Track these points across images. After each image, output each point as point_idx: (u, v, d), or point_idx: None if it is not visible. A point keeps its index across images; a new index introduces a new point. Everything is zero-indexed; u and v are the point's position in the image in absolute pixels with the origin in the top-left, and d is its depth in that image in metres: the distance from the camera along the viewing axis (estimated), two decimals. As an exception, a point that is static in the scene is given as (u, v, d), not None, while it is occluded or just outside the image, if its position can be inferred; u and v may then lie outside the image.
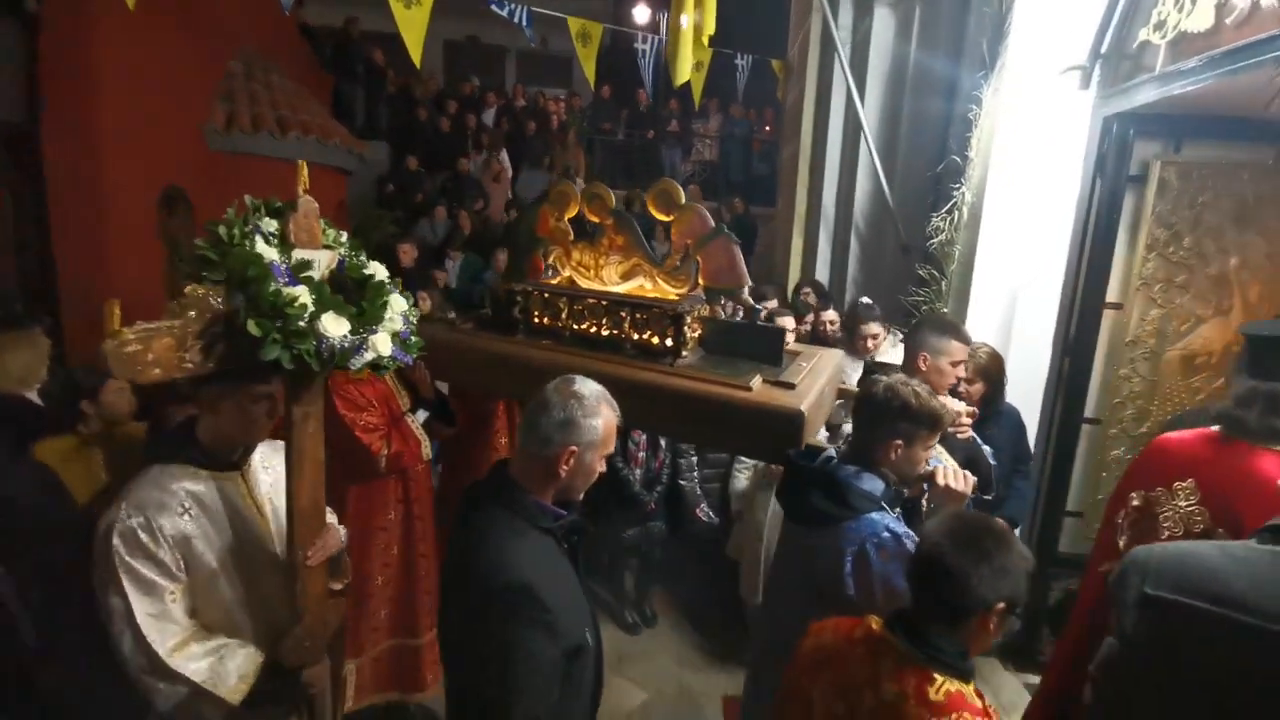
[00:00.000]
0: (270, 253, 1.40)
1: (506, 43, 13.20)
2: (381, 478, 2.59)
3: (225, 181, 5.64)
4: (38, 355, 2.64)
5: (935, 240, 3.59)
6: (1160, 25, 2.49)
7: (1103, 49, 2.84)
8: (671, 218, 2.05)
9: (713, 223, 2.02)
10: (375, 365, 1.54)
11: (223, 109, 5.63)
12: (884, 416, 1.69)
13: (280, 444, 1.68)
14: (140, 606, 1.45)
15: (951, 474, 1.75)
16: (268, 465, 1.72)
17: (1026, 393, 3.04)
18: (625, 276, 2.15)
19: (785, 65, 7.17)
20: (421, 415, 2.68)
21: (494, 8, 4.89)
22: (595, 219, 2.16)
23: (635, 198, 8.63)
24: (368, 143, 7.68)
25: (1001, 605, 1.19)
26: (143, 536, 1.46)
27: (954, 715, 1.11)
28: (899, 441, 1.69)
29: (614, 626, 3.66)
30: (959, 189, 3.50)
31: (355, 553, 2.42)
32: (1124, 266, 2.96)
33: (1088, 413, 3.07)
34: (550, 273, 2.32)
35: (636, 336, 2.06)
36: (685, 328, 1.99)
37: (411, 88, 9.27)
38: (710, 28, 4.90)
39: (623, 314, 2.07)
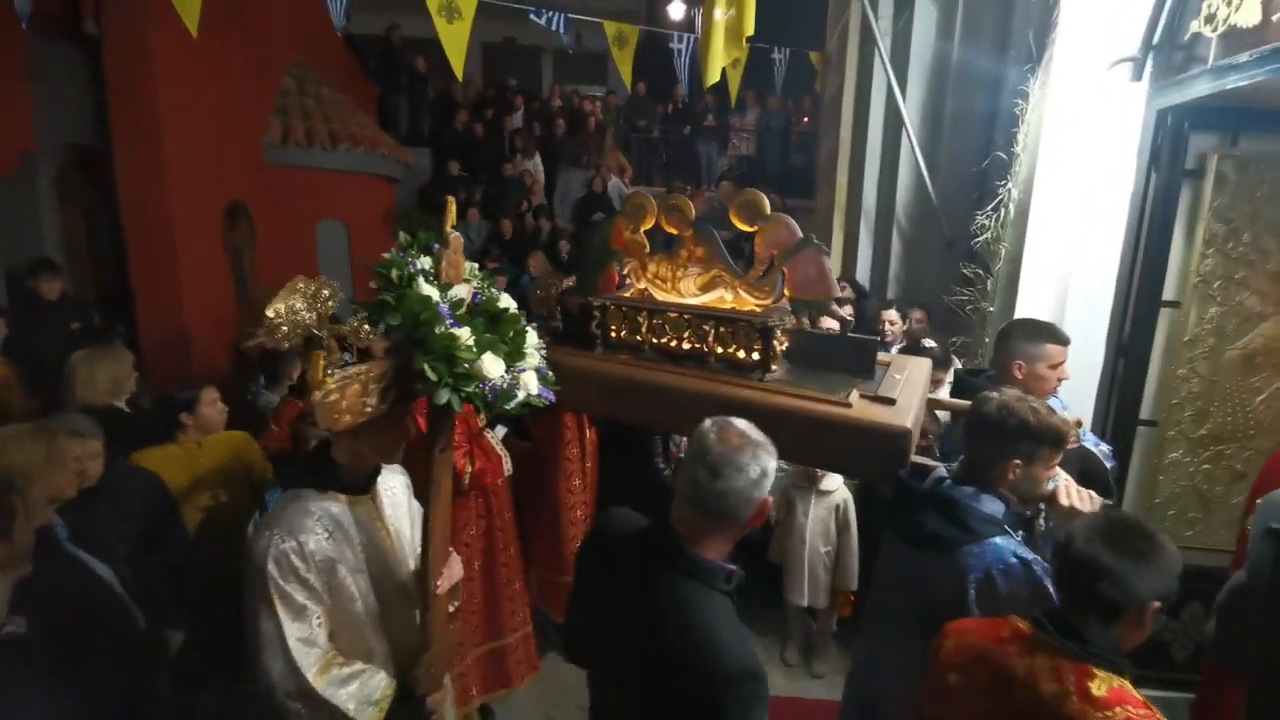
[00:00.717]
0: (433, 293, 1.37)
1: (542, 42, 13.31)
2: (463, 495, 2.59)
3: (281, 194, 5.91)
4: (123, 368, 2.87)
5: (981, 238, 3.54)
6: (1211, 18, 2.41)
7: (1154, 40, 2.76)
8: (756, 229, 1.99)
9: (800, 233, 1.96)
10: (525, 405, 1.50)
11: (278, 124, 5.87)
12: (1001, 436, 1.61)
13: (393, 466, 1.74)
14: (291, 631, 1.44)
15: (1074, 493, 1.68)
16: (387, 487, 1.72)
17: (1077, 394, 2.98)
18: (704, 288, 2.09)
19: (823, 57, 7.09)
20: (500, 431, 2.69)
21: (532, 16, 4.98)
22: (673, 231, 2.12)
23: (678, 193, 8.66)
24: (411, 150, 7.90)
25: (1157, 603, 1.21)
26: (295, 560, 1.45)
27: (1118, 709, 1.12)
28: (1018, 461, 1.61)
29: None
30: (1005, 185, 3.44)
31: None
32: (1181, 263, 2.88)
33: (1144, 414, 3.00)
34: (623, 286, 2.28)
35: (721, 350, 1.99)
36: (774, 341, 1.91)
37: (452, 92, 9.46)
38: (749, 28, 4.88)
39: (707, 327, 2.01)
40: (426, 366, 1.31)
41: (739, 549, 3.96)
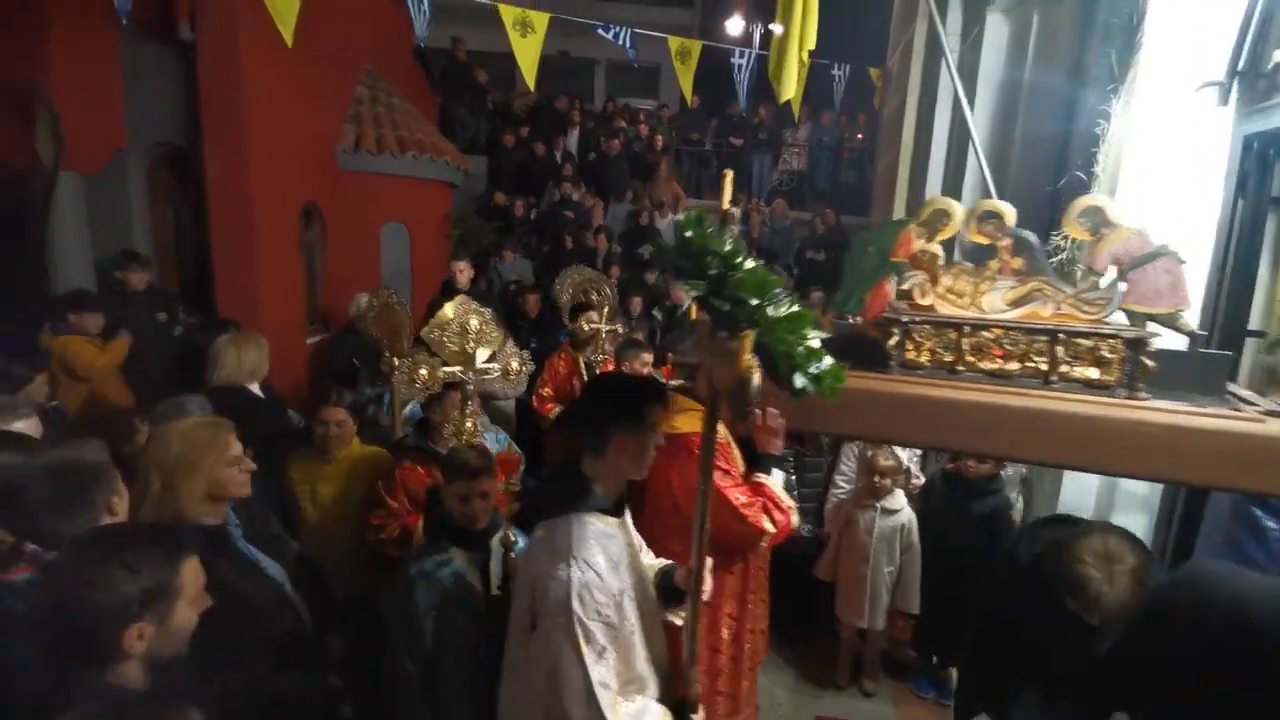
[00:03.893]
0: None
1: (596, 55, 13.58)
2: (742, 561, 2.24)
3: (351, 197, 6.15)
4: (263, 353, 3.10)
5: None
6: (1291, 49, 2.36)
7: (1239, 66, 2.70)
8: (1098, 237, 1.85)
9: (1153, 241, 1.81)
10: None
11: (351, 131, 6.12)
12: None
13: None
14: (594, 675, 1.37)
15: None
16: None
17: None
18: (1016, 303, 1.89)
19: (883, 74, 7.07)
20: (778, 476, 2.18)
21: (600, 32, 5.10)
22: (984, 240, 1.95)
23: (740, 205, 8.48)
24: (471, 158, 8.13)
25: None
26: (597, 594, 1.38)
27: None
28: None
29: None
30: (1081, 208, 3.38)
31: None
32: (1266, 293, 2.79)
33: (1225, 446, 2.90)
34: (901, 300, 2.04)
35: (1068, 369, 1.79)
36: (1145, 356, 1.71)
37: (510, 102, 9.68)
38: (811, 42, 4.90)
39: (1050, 343, 1.80)
40: (793, 348, 1.19)
41: (784, 565, 3.83)
